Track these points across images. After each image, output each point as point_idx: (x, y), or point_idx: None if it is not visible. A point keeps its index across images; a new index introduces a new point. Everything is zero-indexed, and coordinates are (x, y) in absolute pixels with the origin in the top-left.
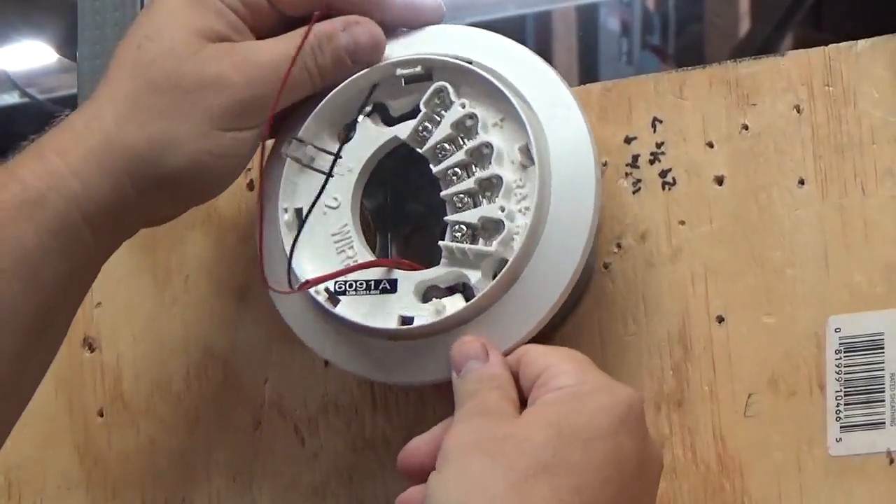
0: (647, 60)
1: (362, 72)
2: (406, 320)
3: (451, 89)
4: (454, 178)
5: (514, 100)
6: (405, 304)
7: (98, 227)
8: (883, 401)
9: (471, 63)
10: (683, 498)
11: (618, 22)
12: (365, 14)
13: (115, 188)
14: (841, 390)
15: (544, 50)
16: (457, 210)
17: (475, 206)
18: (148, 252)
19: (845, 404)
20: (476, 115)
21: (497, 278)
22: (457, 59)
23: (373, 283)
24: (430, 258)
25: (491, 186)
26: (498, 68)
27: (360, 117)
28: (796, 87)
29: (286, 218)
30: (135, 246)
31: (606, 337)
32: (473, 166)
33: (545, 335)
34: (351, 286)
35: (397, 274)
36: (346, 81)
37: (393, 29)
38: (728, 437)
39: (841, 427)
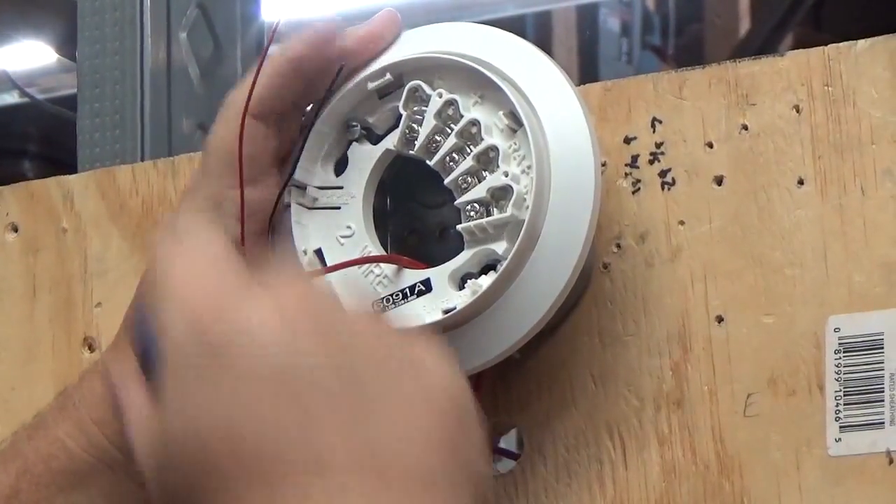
0: (647, 60)
1: (335, 98)
2: (449, 311)
3: (424, 86)
4: (452, 164)
5: (481, 69)
6: (445, 298)
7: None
8: (882, 401)
9: (434, 54)
10: (683, 498)
11: (618, 22)
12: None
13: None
14: (840, 390)
15: (544, 50)
16: (464, 193)
17: (480, 182)
18: (148, 252)
19: (845, 404)
20: (455, 100)
21: (521, 236)
22: (419, 55)
23: (407, 290)
24: (427, 258)
25: (489, 160)
26: (484, 57)
27: (351, 143)
28: (796, 87)
29: (307, 259)
30: (135, 246)
31: (606, 337)
32: (468, 147)
33: (545, 336)
34: (388, 300)
35: (428, 273)
36: (324, 113)
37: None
38: (727, 438)
39: (840, 427)
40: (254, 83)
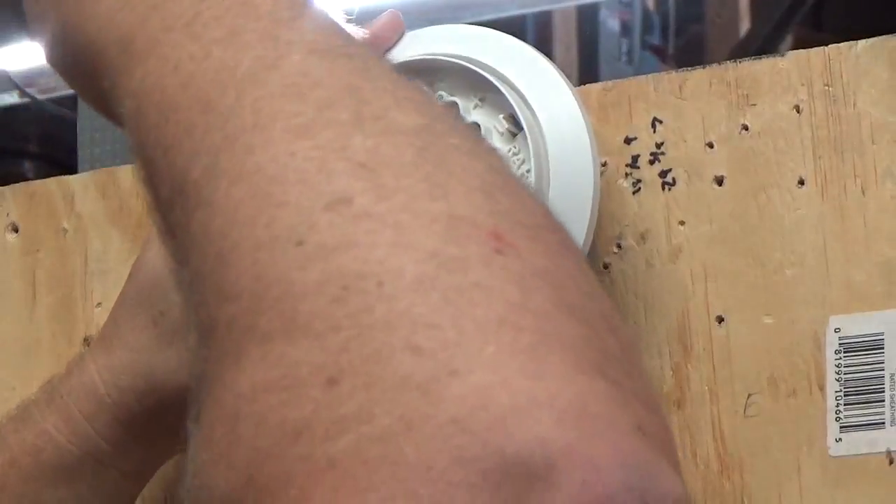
0: (647, 60)
1: None
2: None
3: (425, 88)
4: None
5: (483, 73)
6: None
7: (131, 474)
8: (883, 401)
9: (437, 56)
10: None
11: (618, 22)
12: None
13: (148, 447)
14: (841, 390)
15: (544, 50)
16: None
17: None
18: None
19: (845, 404)
20: (456, 103)
21: None
22: (420, 57)
23: None
24: None
25: None
26: (484, 60)
27: None
28: (796, 87)
29: None
30: (135, 246)
31: None
32: None
33: None
34: None
35: None
36: None
37: None
38: (728, 437)
39: (841, 427)
40: None
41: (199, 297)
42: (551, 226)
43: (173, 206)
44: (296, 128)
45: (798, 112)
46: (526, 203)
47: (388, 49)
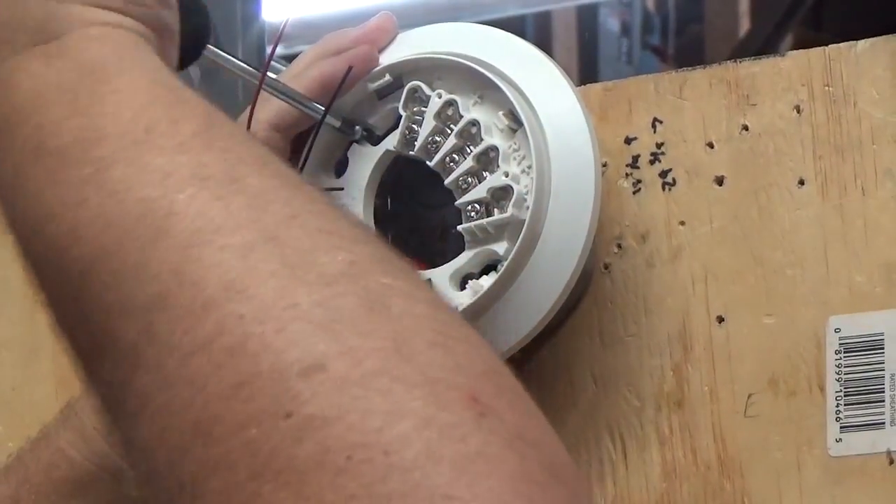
0: (647, 60)
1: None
2: None
3: (424, 86)
4: (453, 164)
5: (480, 69)
6: (446, 298)
7: None
8: (883, 401)
9: (434, 54)
10: (684, 498)
11: (618, 22)
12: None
13: None
14: (841, 390)
15: (544, 50)
16: (464, 193)
17: (480, 183)
18: None
19: (845, 404)
20: (455, 101)
21: (521, 236)
22: (418, 55)
23: None
24: (428, 258)
25: (489, 161)
26: (482, 57)
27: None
28: (796, 87)
29: None
30: None
31: (606, 337)
32: (468, 147)
33: (545, 336)
34: None
35: (429, 274)
36: (327, 119)
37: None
38: (728, 438)
39: (841, 427)
40: (256, 95)
41: (172, 455)
42: (499, 367)
43: (101, 359)
44: (229, 285)
45: (798, 112)
46: (473, 344)
47: (381, 49)
